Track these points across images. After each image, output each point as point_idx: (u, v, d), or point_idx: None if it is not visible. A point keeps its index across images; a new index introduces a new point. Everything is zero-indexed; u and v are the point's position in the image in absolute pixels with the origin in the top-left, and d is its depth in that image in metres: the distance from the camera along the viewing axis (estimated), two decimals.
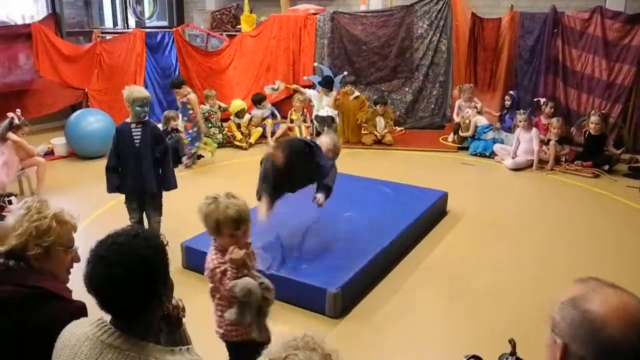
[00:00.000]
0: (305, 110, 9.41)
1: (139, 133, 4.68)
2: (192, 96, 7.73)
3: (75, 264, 2.18)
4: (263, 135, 9.08)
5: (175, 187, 4.92)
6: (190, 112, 7.73)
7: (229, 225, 2.69)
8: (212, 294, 2.91)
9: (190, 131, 7.76)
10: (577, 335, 1.33)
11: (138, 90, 4.79)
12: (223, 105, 9.06)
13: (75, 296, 2.11)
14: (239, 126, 9.00)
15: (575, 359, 1.34)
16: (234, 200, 2.75)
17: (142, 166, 4.68)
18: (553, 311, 1.42)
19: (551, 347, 1.41)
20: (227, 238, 2.73)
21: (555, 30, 8.82)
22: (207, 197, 2.82)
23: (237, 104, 9.12)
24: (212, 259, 2.81)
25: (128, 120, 4.77)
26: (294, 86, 9.63)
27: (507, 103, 8.92)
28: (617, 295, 1.35)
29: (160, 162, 4.79)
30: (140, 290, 1.66)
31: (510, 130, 8.49)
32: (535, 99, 8.64)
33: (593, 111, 8.01)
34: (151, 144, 4.70)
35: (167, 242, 1.82)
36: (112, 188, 4.77)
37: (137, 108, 4.66)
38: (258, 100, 9.32)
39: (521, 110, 7.96)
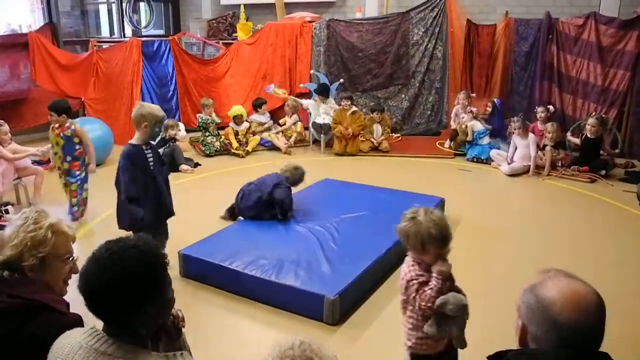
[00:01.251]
0: (298, 115, 9.45)
1: (151, 155, 4.32)
2: (79, 127, 5.91)
3: (74, 275, 2.16)
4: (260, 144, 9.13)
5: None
6: (78, 147, 5.84)
7: (434, 245, 2.57)
8: (404, 307, 2.77)
9: (78, 173, 5.86)
10: (531, 316, 1.53)
11: (158, 109, 4.32)
12: (217, 119, 9.06)
13: (74, 306, 2.10)
14: (237, 134, 9.00)
15: (531, 337, 1.53)
16: (434, 217, 2.61)
17: (160, 190, 4.39)
18: (519, 298, 1.61)
19: (516, 330, 1.60)
20: (431, 256, 2.62)
21: (550, 36, 8.88)
22: (404, 215, 2.70)
23: (235, 108, 9.14)
24: (409, 270, 2.70)
25: (135, 142, 4.29)
26: (292, 98, 9.62)
27: (489, 110, 8.93)
28: (568, 282, 1.54)
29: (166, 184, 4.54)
30: (122, 301, 1.64)
31: (499, 134, 8.53)
32: (534, 109, 8.61)
33: (593, 113, 8.06)
34: (159, 165, 4.44)
35: (169, 262, 1.80)
36: (136, 221, 4.19)
37: (157, 129, 4.33)
38: (259, 104, 9.37)
39: (515, 118, 7.98)
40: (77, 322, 1.98)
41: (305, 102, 9.46)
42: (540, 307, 1.49)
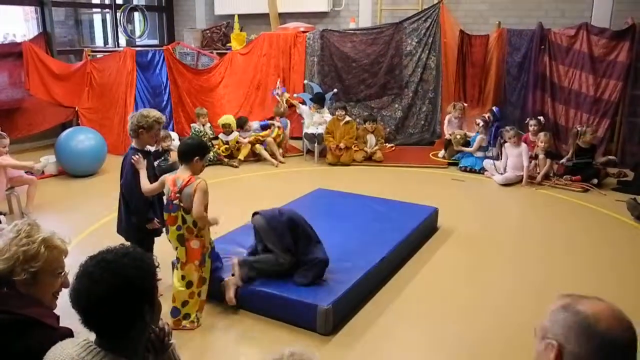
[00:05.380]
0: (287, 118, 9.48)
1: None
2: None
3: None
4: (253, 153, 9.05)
5: None
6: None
7: None
8: None
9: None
10: (571, 334, 1.44)
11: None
12: (211, 132, 9.04)
13: (63, 319, 2.09)
14: (226, 143, 8.99)
15: (570, 357, 1.44)
16: None
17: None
18: (542, 321, 1.53)
19: (542, 353, 1.49)
20: None
21: (542, 46, 8.93)
22: None
23: (224, 117, 9.15)
24: None
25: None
26: (294, 102, 9.64)
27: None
28: (601, 301, 1.49)
29: None
30: (123, 310, 1.65)
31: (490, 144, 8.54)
32: (527, 119, 8.58)
33: (583, 126, 8.04)
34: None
35: (159, 264, 1.81)
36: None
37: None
38: (240, 124, 9.12)
39: (507, 127, 7.99)
40: (68, 336, 1.95)
41: (302, 107, 9.45)
42: (584, 325, 1.44)
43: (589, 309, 1.46)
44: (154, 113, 4.32)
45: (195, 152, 3.98)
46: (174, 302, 3.91)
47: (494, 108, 8.98)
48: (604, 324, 1.42)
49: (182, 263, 3.99)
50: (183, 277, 3.95)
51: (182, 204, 3.90)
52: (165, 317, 3.49)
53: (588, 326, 1.43)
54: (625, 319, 1.46)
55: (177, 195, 3.90)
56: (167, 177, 4.03)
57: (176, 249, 4.02)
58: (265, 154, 8.88)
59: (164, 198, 4.19)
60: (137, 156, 4.21)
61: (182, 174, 3.97)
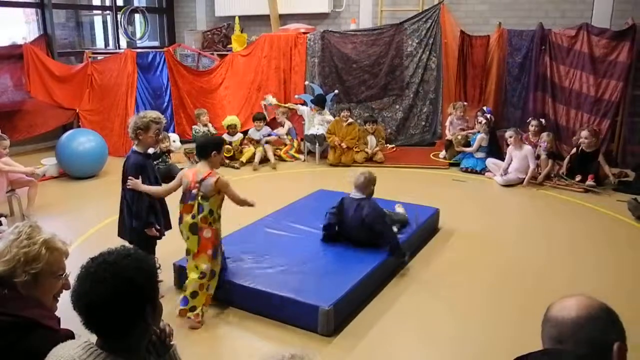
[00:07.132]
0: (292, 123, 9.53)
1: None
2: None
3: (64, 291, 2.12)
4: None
5: None
6: None
7: None
8: None
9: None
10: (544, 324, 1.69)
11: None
12: (213, 130, 9.07)
13: (64, 321, 2.08)
14: (230, 144, 8.98)
15: (545, 340, 1.66)
16: None
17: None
18: None
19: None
20: None
21: (543, 47, 8.94)
22: None
23: (229, 118, 9.16)
24: None
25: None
26: (289, 105, 9.66)
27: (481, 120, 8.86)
28: (580, 295, 1.66)
29: None
30: (124, 312, 1.64)
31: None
32: (528, 120, 8.56)
33: (587, 126, 8.01)
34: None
35: (160, 265, 1.81)
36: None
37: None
38: (255, 118, 9.25)
39: (509, 131, 7.98)
40: (69, 337, 1.95)
41: (301, 107, 9.48)
42: (546, 313, 1.66)
43: (558, 299, 1.67)
44: (151, 113, 4.36)
45: (212, 147, 4.14)
46: (185, 291, 4.02)
47: (484, 108, 8.92)
48: (554, 307, 1.64)
49: (193, 254, 4.09)
50: (197, 267, 4.07)
51: (201, 192, 4.02)
52: (167, 317, 3.49)
53: (546, 312, 1.67)
54: (584, 304, 1.59)
55: (197, 185, 4.02)
56: (185, 172, 4.20)
57: (187, 239, 4.10)
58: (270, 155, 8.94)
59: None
60: (131, 181, 4.24)
61: (202, 168, 4.11)
